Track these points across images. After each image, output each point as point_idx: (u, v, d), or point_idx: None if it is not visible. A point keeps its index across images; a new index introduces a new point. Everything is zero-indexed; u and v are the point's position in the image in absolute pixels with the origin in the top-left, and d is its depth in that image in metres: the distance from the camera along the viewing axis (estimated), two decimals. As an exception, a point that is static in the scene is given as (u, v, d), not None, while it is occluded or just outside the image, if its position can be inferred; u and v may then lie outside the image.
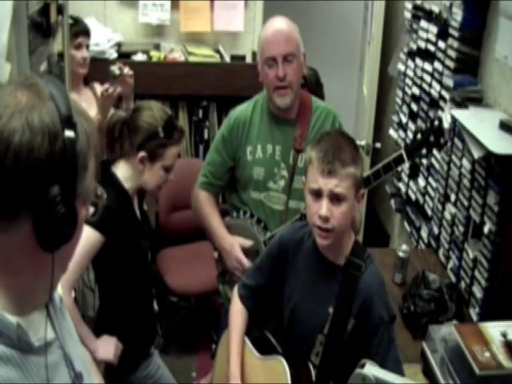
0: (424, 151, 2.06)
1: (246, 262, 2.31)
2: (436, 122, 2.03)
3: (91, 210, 1.01)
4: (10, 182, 0.87)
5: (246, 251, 2.35)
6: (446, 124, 2.03)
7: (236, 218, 2.42)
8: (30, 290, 0.95)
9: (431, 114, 2.87)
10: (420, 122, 3.10)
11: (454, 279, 2.51)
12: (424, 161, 2.98)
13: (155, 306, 2.40)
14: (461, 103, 2.49)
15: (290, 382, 1.76)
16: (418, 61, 3.10)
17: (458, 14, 2.55)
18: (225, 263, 2.42)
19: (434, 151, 2.83)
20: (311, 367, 1.79)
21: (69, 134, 0.89)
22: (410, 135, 3.20)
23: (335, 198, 1.66)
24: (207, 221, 2.43)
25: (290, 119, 2.34)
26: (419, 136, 2.06)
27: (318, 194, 1.68)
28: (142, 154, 2.04)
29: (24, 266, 0.93)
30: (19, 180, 0.87)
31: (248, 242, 2.35)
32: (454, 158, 2.57)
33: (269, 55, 2.22)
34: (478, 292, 2.29)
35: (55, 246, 0.91)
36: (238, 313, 1.97)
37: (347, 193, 1.66)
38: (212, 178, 2.43)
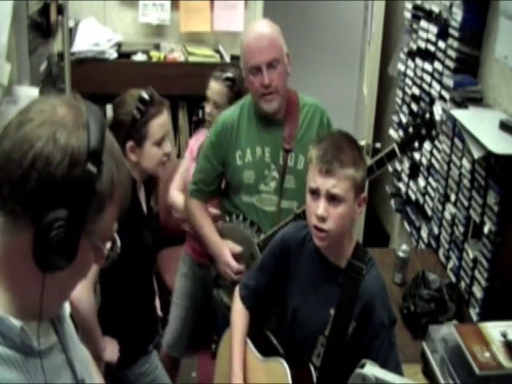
0: (416, 144, 2.06)
1: (235, 265, 2.31)
2: (427, 115, 2.03)
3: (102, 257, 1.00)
4: (20, 184, 0.87)
5: (239, 255, 2.34)
6: (438, 116, 2.04)
7: (229, 222, 2.39)
8: (32, 298, 0.94)
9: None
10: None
11: (454, 279, 2.51)
12: (424, 161, 2.98)
13: (159, 311, 2.40)
14: (461, 103, 2.49)
15: (290, 383, 1.76)
16: (418, 61, 3.10)
17: (457, 14, 2.55)
18: (217, 268, 2.41)
19: (434, 151, 2.85)
20: (312, 369, 1.79)
21: (91, 167, 0.89)
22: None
23: (333, 199, 1.66)
24: (200, 229, 2.43)
25: (278, 120, 2.31)
26: (411, 129, 2.06)
27: (316, 194, 1.68)
28: (129, 144, 2.04)
29: (26, 272, 0.93)
30: (30, 186, 0.87)
31: (238, 248, 2.34)
32: (454, 157, 2.57)
33: (252, 64, 2.19)
34: (478, 292, 2.29)
35: (46, 268, 0.91)
36: (239, 313, 1.97)
37: (345, 194, 1.65)
38: (202, 185, 2.41)
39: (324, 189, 1.65)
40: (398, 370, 1.67)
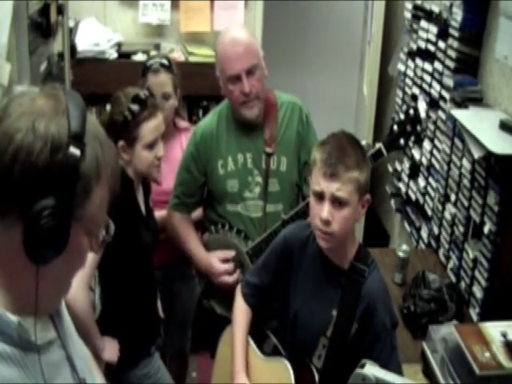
0: (402, 142, 2.06)
1: (228, 267, 2.29)
2: (411, 111, 2.03)
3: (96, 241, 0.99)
4: (4, 180, 0.87)
5: (233, 261, 2.32)
6: (422, 112, 2.04)
7: (215, 232, 2.36)
8: (29, 294, 0.94)
9: (432, 114, 2.87)
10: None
11: (454, 279, 2.51)
12: (424, 161, 2.98)
13: (161, 313, 2.39)
14: (461, 103, 2.49)
15: (293, 383, 1.76)
16: (418, 61, 3.10)
17: (458, 14, 2.55)
18: (206, 279, 2.39)
19: (434, 151, 2.85)
20: (314, 370, 1.79)
21: (73, 150, 0.88)
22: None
23: (337, 202, 1.65)
24: (184, 244, 2.39)
25: (257, 123, 2.27)
26: (395, 127, 2.05)
27: (320, 197, 1.67)
28: (120, 144, 2.04)
29: (20, 268, 0.92)
30: (14, 180, 0.87)
31: (229, 253, 2.31)
32: (454, 157, 2.57)
33: (231, 73, 2.16)
34: (478, 292, 2.29)
35: (38, 260, 0.90)
36: (241, 311, 1.96)
37: (349, 197, 1.65)
38: (184, 197, 2.37)
39: (329, 192, 1.64)
40: (398, 373, 1.67)
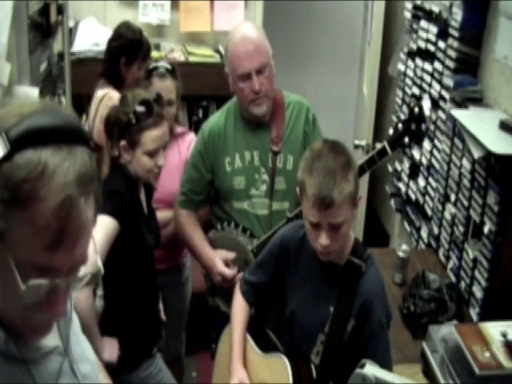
0: (406, 140, 2.06)
1: (230, 273, 2.30)
2: (416, 110, 2.03)
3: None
4: None
5: (234, 262, 2.33)
6: (427, 111, 2.04)
7: (221, 230, 2.37)
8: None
9: (432, 114, 2.87)
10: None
11: (454, 279, 2.51)
12: (424, 161, 2.98)
13: (162, 315, 2.39)
14: (461, 103, 2.49)
15: (291, 380, 1.77)
16: (418, 61, 3.10)
17: (458, 14, 2.55)
18: (212, 278, 2.40)
19: (434, 151, 2.85)
20: (312, 366, 1.80)
21: None
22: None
23: (335, 226, 1.64)
24: (190, 241, 2.41)
25: (264, 122, 2.30)
26: (400, 126, 2.06)
27: (316, 226, 1.65)
28: (121, 143, 2.03)
29: None
30: None
31: (231, 254, 2.32)
32: (454, 157, 2.57)
33: (242, 72, 2.18)
34: (478, 292, 2.29)
35: None
36: (240, 308, 1.97)
37: (346, 216, 1.64)
38: (192, 194, 2.39)
39: (326, 222, 1.63)
40: (389, 369, 1.67)
